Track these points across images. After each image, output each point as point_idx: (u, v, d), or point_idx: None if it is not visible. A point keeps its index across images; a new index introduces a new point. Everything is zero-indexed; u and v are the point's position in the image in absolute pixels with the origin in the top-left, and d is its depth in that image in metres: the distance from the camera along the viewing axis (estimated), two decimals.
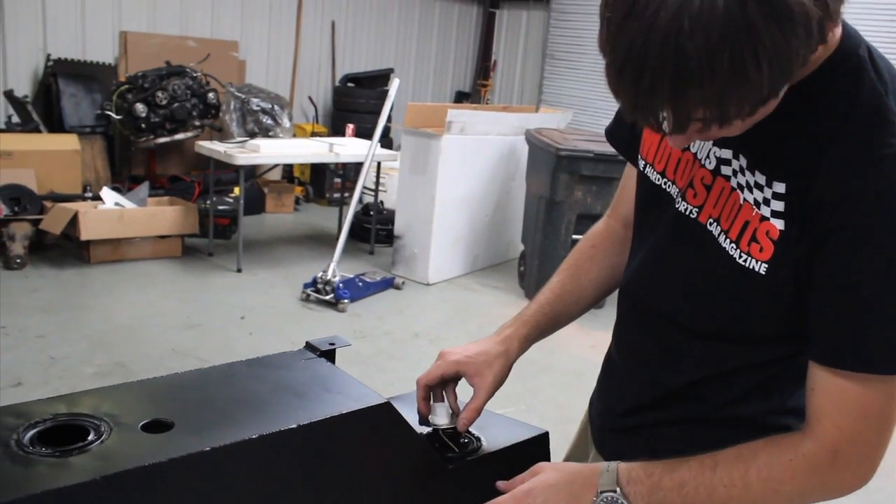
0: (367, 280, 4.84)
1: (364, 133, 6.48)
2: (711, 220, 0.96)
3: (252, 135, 6.25)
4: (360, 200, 5.83)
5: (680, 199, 1.01)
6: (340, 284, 4.55)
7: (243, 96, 6.46)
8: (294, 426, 0.90)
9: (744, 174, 0.92)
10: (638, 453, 0.98)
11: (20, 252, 4.65)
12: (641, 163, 1.10)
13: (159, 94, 5.67)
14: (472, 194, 5.32)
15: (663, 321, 1.05)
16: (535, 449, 1.19)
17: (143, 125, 5.67)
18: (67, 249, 5.02)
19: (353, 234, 5.43)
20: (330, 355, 1.13)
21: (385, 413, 1.00)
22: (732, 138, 0.85)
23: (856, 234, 0.82)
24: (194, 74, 5.92)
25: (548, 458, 1.20)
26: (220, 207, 5.55)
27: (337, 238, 4.99)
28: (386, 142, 6.92)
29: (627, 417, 1.14)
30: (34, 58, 6.11)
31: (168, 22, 6.81)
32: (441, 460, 1.08)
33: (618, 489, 0.94)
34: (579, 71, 8.83)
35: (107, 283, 4.62)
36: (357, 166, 5.33)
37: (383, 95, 5.52)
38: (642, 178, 1.10)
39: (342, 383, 1.04)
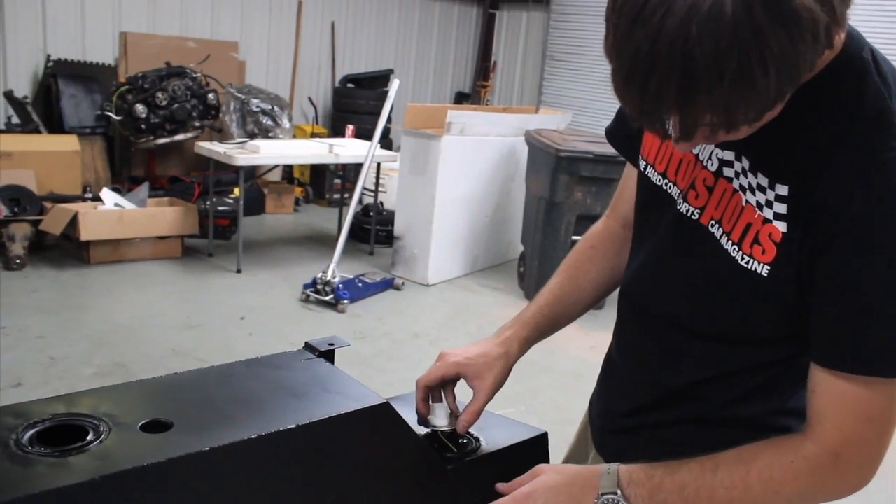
0: (367, 281, 4.84)
1: (364, 134, 6.49)
2: (713, 222, 0.96)
3: (252, 135, 6.25)
4: (360, 201, 5.83)
5: (681, 201, 1.01)
6: (340, 285, 4.55)
7: (243, 97, 6.46)
8: (293, 426, 0.90)
9: (746, 176, 0.92)
10: (638, 454, 0.98)
11: (20, 253, 4.65)
12: (642, 163, 1.10)
13: (159, 94, 5.67)
14: (471, 195, 5.32)
15: (664, 322, 1.05)
16: (534, 449, 1.19)
17: (142, 126, 5.67)
18: (67, 250, 5.01)
19: (352, 234, 5.43)
20: (329, 356, 1.13)
21: (384, 413, 1.00)
22: (735, 140, 0.85)
23: (858, 237, 0.82)
24: (194, 75, 5.92)
25: (547, 459, 1.20)
26: (220, 208, 5.56)
27: (337, 239, 4.99)
28: (386, 142, 6.92)
29: (627, 418, 1.14)
30: (34, 58, 6.11)
31: (168, 23, 6.81)
32: (440, 461, 1.08)
33: (618, 491, 0.94)
34: (579, 72, 8.84)
35: (107, 283, 4.62)
36: (357, 167, 5.33)
37: (383, 96, 5.52)
38: (643, 179, 1.10)
39: (341, 384, 1.04)
